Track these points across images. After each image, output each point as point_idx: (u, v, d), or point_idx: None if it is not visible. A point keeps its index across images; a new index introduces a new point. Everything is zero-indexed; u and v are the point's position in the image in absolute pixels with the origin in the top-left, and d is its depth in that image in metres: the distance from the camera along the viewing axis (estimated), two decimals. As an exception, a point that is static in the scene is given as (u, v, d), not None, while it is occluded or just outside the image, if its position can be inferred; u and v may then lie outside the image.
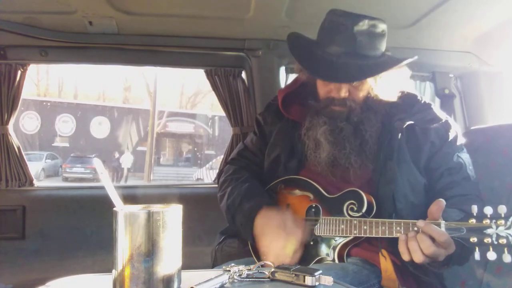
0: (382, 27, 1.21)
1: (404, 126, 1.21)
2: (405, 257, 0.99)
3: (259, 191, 1.30)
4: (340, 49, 1.19)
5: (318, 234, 1.18)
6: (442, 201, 0.97)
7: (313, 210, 1.21)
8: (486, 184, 1.46)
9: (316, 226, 1.18)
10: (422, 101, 1.32)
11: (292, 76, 2.15)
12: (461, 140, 1.27)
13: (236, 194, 1.29)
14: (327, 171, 1.22)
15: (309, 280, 0.75)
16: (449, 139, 1.24)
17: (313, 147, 1.23)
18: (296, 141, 1.32)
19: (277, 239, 1.14)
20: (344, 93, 1.20)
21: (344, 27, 1.18)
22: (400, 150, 1.19)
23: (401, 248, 1.00)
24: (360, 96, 1.22)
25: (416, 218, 1.14)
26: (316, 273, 0.76)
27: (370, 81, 1.19)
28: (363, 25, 1.18)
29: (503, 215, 0.90)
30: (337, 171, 1.22)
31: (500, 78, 2.15)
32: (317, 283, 0.76)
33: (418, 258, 0.96)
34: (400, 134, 1.20)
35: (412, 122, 1.22)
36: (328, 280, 0.77)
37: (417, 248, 0.96)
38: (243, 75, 2.18)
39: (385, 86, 1.21)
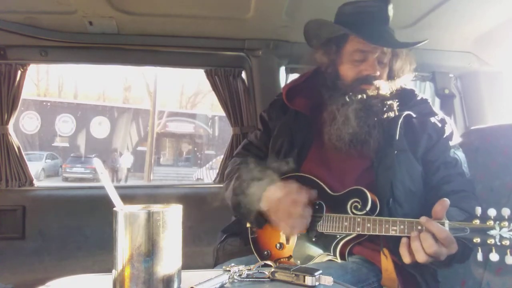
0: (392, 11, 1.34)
1: (403, 116, 1.24)
2: (406, 259, 0.99)
3: (265, 175, 1.29)
4: (377, 26, 1.27)
5: (321, 231, 1.18)
6: (446, 201, 0.97)
7: (317, 207, 1.21)
8: (486, 184, 1.46)
9: (319, 222, 1.18)
10: (419, 97, 1.36)
11: (292, 76, 2.16)
12: (456, 138, 1.31)
13: (243, 179, 1.30)
14: (345, 147, 1.24)
15: (309, 280, 0.76)
16: (446, 134, 1.27)
17: (340, 123, 1.25)
18: (299, 132, 1.34)
19: (284, 203, 1.15)
20: (377, 69, 1.26)
21: (379, 7, 1.28)
22: (399, 139, 1.22)
23: (402, 250, 1.00)
24: (384, 76, 1.29)
25: (412, 205, 1.16)
26: (316, 273, 0.76)
27: (389, 62, 1.30)
28: (390, 8, 1.31)
29: (506, 217, 0.90)
30: (354, 144, 1.24)
31: (500, 78, 2.15)
32: (317, 283, 0.76)
33: (421, 258, 0.96)
34: (398, 124, 1.23)
35: (409, 112, 1.26)
36: (328, 280, 0.77)
37: (419, 248, 0.96)
38: (243, 75, 2.18)
39: (399, 71, 1.32)
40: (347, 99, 1.25)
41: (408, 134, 1.24)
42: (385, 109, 1.26)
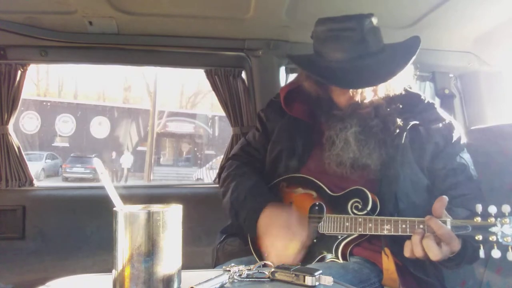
0: (375, 20, 1.21)
1: (408, 126, 1.21)
2: (407, 253, 1.01)
3: (263, 189, 1.29)
4: (351, 54, 1.16)
5: (321, 232, 1.17)
6: (445, 198, 0.98)
7: (317, 208, 1.20)
8: (486, 184, 1.45)
9: (320, 223, 1.18)
10: (426, 101, 1.32)
11: (292, 76, 2.15)
12: (463, 142, 1.27)
13: (240, 190, 1.28)
14: (347, 170, 1.21)
15: (309, 280, 0.75)
16: (453, 140, 1.24)
17: (340, 149, 1.21)
18: (297, 139, 1.32)
19: (280, 239, 1.13)
20: (367, 95, 1.20)
21: (351, 31, 1.15)
22: (404, 150, 1.19)
23: (407, 253, 1.01)
24: (379, 90, 1.22)
25: (418, 218, 1.15)
26: (316, 273, 0.76)
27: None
28: (367, 23, 1.16)
29: (507, 214, 0.92)
30: (355, 169, 1.21)
31: (500, 78, 2.15)
32: (317, 283, 0.76)
33: (419, 253, 0.98)
34: (404, 134, 1.20)
35: (416, 122, 1.22)
36: (328, 280, 0.77)
37: (421, 250, 0.98)
38: (243, 75, 2.18)
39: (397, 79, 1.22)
40: (345, 124, 1.21)
41: (414, 144, 1.21)
42: (387, 126, 1.21)
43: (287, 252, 1.12)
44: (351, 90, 1.19)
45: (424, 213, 1.14)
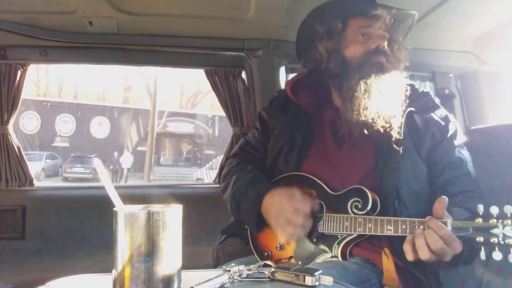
0: None
1: (405, 113, 1.20)
2: (409, 256, 0.99)
3: (264, 180, 1.30)
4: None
5: (321, 231, 1.17)
6: (445, 198, 0.97)
7: (316, 207, 1.20)
8: (486, 184, 1.46)
9: (320, 223, 1.17)
10: (420, 90, 1.32)
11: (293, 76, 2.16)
12: (460, 136, 1.27)
13: (242, 182, 1.28)
14: (373, 119, 1.18)
15: (309, 280, 0.75)
16: (450, 133, 1.24)
17: (367, 97, 1.19)
18: (299, 132, 1.32)
19: (285, 210, 1.13)
20: (384, 39, 1.22)
21: None
22: (403, 138, 1.18)
23: (406, 247, 1.00)
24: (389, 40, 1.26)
25: (418, 206, 1.15)
26: (316, 273, 0.76)
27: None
28: None
29: (509, 215, 0.89)
30: (377, 121, 1.18)
31: (500, 78, 2.15)
32: (317, 283, 0.76)
33: (425, 255, 0.95)
34: (401, 122, 1.19)
35: (412, 108, 1.22)
36: (328, 280, 0.77)
37: (424, 245, 0.95)
38: (243, 75, 2.18)
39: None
40: (362, 74, 1.20)
41: (412, 132, 1.21)
42: (397, 78, 1.21)
43: (295, 225, 1.12)
44: (368, 42, 1.23)
45: (424, 202, 1.14)
